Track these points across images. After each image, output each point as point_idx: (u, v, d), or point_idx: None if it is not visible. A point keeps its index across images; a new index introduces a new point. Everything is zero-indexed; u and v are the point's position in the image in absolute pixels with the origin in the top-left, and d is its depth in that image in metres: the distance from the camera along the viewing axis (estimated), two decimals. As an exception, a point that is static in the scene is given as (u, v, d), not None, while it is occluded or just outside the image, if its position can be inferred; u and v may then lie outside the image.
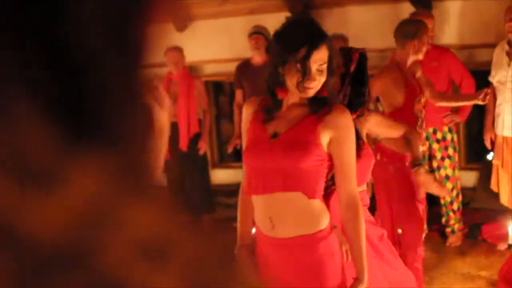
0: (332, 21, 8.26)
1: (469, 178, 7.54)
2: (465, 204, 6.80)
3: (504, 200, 6.19)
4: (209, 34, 8.74)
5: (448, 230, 6.51)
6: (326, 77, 2.75)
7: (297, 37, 2.71)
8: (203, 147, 7.51)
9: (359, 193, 2.87)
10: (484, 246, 6.31)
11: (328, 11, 8.30)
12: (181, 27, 8.79)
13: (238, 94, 7.50)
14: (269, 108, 2.86)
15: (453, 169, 6.38)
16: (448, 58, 6.34)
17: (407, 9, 7.21)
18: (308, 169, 2.73)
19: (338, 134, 2.75)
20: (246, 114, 2.93)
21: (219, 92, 9.49)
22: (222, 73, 8.68)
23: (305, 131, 2.76)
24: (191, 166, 7.61)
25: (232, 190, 8.49)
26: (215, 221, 7.61)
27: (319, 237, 2.78)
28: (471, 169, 7.62)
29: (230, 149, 7.65)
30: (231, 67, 7.83)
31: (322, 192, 2.79)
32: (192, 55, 8.20)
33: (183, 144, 7.49)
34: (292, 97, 2.83)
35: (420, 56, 5.04)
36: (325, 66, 2.73)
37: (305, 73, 2.68)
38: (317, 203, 2.77)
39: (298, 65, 2.68)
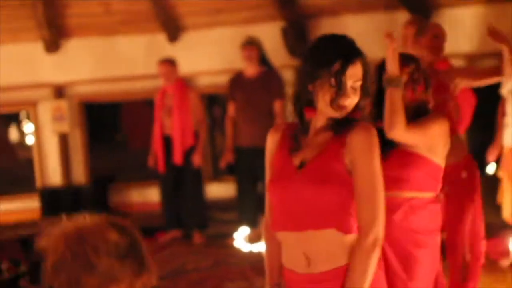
0: (328, 30, 8.09)
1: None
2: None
3: (506, 215, 6.01)
4: (202, 45, 8.59)
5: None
6: (359, 97, 2.54)
7: (332, 50, 2.50)
8: (197, 160, 7.33)
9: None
10: (485, 262, 6.11)
11: (323, 20, 8.14)
12: (174, 38, 8.62)
13: (231, 106, 7.34)
14: (296, 134, 2.63)
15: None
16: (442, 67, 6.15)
17: (403, 17, 7.04)
18: (340, 203, 2.50)
19: (356, 154, 2.50)
20: (270, 142, 2.70)
21: (213, 104, 9.33)
22: (215, 84, 8.52)
23: (331, 159, 2.52)
24: (185, 180, 7.43)
25: (227, 205, 8.33)
26: (208, 236, 7.43)
27: None
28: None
29: (222, 165, 7.48)
30: (225, 79, 7.66)
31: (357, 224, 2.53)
32: (184, 66, 8.05)
33: (177, 158, 7.31)
34: (320, 119, 2.58)
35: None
36: (359, 84, 2.51)
37: (340, 89, 2.47)
38: (354, 237, 2.51)
39: (332, 80, 2.47)
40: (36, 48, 8.64)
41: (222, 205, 8.21)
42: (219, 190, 8.65)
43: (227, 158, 7.34)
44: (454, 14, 7.51)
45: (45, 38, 8.50)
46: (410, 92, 3.40)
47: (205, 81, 8.67)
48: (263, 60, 7.21)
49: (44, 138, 8.81)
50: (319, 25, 8.17)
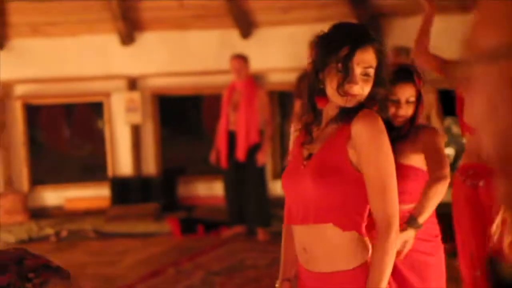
0: (401, 31, 7.96)
1: None
2: None
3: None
4: (274, 42, 8.57)
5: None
6: (372, 86, 2.45)
7: (339, 36, 2.45)
8: (261, 159, 7.33)
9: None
10: None
11: (396, 20, 7.99)
12: (246, 34, 8.64)
13: (297, 104, 7.29)
14: (308, 124, 2.58)
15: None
16: None
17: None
18: (340, 197, 2.43)
19: (363, 143, 2.40)
20: (292, 134, 2.70)
21: (284, 101, 9.28)
22: (287, 82, 8.48)
23: (333, 151, 2.46)
24: (247, 177, 7.44)
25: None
26: (270, 234, 7.41)
27: (358, 273, 2.44)
28: None
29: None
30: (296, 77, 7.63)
31: (362, 223, 2.45)
32: (256, 63, 8.05)
33: (240, 154, 7.33)
34: (331, 109, 2.51)
35: None
36: (371, 71, 2.42)
37: (347, 74, 2.39)
38: (354, 235, 2.44)
39: (339, 65, 2.39)
40: (111, 40, 8.80)
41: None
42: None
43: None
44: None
45: (120, 30, 8.65)
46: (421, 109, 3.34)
47: (276, 78, 8.65)
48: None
49: (116, 128, 8.98)
50: (392, 25, 8.04)
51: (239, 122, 7.36)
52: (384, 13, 8.03)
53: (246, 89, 7.43)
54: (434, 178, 3.11)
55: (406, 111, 3.27)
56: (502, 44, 0.70)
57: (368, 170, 2.39)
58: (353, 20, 7.94)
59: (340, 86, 2.40)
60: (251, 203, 7.42)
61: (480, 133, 0.75)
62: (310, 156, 2.52)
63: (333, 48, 2.42)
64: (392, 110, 3.20)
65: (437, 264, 3.36)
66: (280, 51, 8.52)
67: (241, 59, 7.49)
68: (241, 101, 7.39)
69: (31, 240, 7.80)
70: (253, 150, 7.35)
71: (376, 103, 2.49)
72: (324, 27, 8.32)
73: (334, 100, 2.46)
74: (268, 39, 8.59)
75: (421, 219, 2.99)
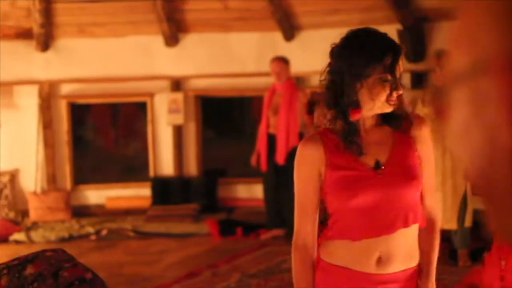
0: (445, 35, 7.85)
1: None
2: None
3: None
4: (317, 45, 8.52)
5: None
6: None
7: (379, 45, 2.41)
8: (300, 162, 7.28)
9: None
10: None
11: (440, 24, 7.88)
12: (289, 36, 8.62)
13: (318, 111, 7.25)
14: (348, 135, 2.47)
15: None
16: None
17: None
18: (418, 197, 2.54)
19: (427, 148, 2.57)
20: (311, 154, 2.51)
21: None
22: (330, 85, 8.44)
23: (409, 155, 2.52)
24: (287, 181, 7.40)
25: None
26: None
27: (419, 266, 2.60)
28: None
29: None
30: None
31: None
32: (299, 65, 8.02)
33: (280, 157, 7.31)
34: (368, 118, 2.48)
35: None
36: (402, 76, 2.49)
37: (395, 82, 2.38)
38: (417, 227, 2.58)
39: (387, 75, 2.38)
40: (156, 41, 8.86)
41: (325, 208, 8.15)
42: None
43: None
44: None
45: (164, 31, 8.70)
46: None
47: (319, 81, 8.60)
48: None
49: (159, 129, 9.03)
50: (436, 29, 7.93)
51: (279, 126, 7.33)
52: (427, 17, 7.93)
53: (287, 92, 7.39)
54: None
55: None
56: (467, 64, 0.68)
57: (429, 171, 2.57)
58: (398, 24, 7.87)
59: (389, 96, 2.40)
60: (290, 207, 7.38)
61: (457, 155, 0.73)
62: (378, 164, 2.48)
63: (375, 59, 2.38)
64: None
65: None
66: (323, 54, 8.44)
67: (282, 61, 7.45)
68: (281, 104, 7.35)
69: (71, 238, 7.89)
70: (292, 154, 7.28)
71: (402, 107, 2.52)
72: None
73: (379, 108, 2.44)
74: (311, 41, 8.55)
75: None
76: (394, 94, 2.39)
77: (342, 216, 2.50)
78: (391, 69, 2.37)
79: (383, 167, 2.46)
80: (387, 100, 2.39)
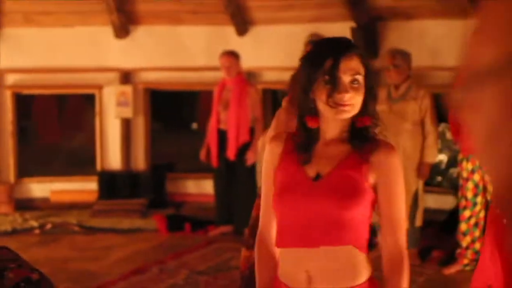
0: (399, 34, 7.88)
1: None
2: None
3: None
4: (269, 40, 8.48)
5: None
6: (364, 96, 2.39)
7: (322, 50, 2.42)
8: (251, 157, 7.21)
9: None
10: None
11: (395, 23, 7.90)
12: (242, 31, 8.54)
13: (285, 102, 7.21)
14: (304, 145, 2.47)
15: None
16: None
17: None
18: (359, 217, 2.39)
19: (387, 178, 2.42)
20: (271, 152, 2.54)
21: (278, 100, 9.19)
22: (281, 81, 8.39)
23: (353, 172, 2.41)
24: (237, 177, 7.34)
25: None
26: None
27: None
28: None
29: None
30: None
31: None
32: (251, 60, 7.95)
33: (231, 153, 7.23)
34: (331, 129, 2.45)
35: None
36: (360, 78, 2.36)
37: (334, 84, 2.33)
38: (364, 255, 2.44)
39: (326, 77, 2.34)
40: (105, 33, 8.69)
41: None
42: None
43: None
44: None
45: (114, 23, 8.53)
46: None
47: (270, 77, 8.56)
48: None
49: (107, 122, 8.87)
50: (390, 28, 7.95)
51: (230, 121, 7.25)
52: (381, 16, 7.93)
53: (237, 87, 7.30)
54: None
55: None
56: (497, 58, 0.60)
57: (388, 202, 2.44)
58: (351, 22, 7.86)
59: (329, 97, 2.34)
60: (239, 203, 7.31)
61: (482, 163, 0.65)
62: (318, 175, 2.43)
63: (318, 63, 2.36)
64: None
65: None
66: (276, 50, 8.42)
67: (232, 56, 7.34)
68: (231, 99, 7.27)
69: (14, 231, 7.68)
70: (243, 149, 7.25)
71: (370, 117, 2.44)
72: (321, 26, 8.23)
73: (326, 114, 2.39)
74: (264, 37, 8.50)
75: None
76: (336, 97, 2.33)
77: (278, 221, 2.50)
78: (330, 72, 2.33)
79: (321, 179, 2.42)
80: (327, 102, 2.34)
